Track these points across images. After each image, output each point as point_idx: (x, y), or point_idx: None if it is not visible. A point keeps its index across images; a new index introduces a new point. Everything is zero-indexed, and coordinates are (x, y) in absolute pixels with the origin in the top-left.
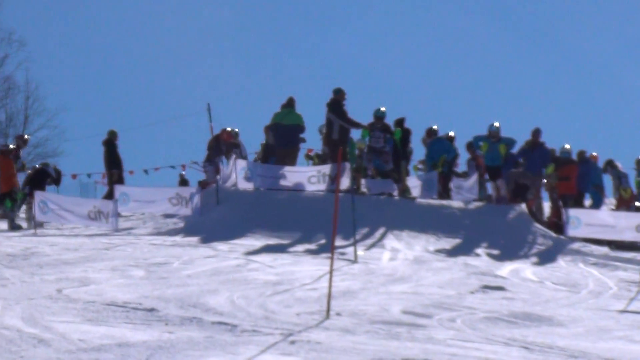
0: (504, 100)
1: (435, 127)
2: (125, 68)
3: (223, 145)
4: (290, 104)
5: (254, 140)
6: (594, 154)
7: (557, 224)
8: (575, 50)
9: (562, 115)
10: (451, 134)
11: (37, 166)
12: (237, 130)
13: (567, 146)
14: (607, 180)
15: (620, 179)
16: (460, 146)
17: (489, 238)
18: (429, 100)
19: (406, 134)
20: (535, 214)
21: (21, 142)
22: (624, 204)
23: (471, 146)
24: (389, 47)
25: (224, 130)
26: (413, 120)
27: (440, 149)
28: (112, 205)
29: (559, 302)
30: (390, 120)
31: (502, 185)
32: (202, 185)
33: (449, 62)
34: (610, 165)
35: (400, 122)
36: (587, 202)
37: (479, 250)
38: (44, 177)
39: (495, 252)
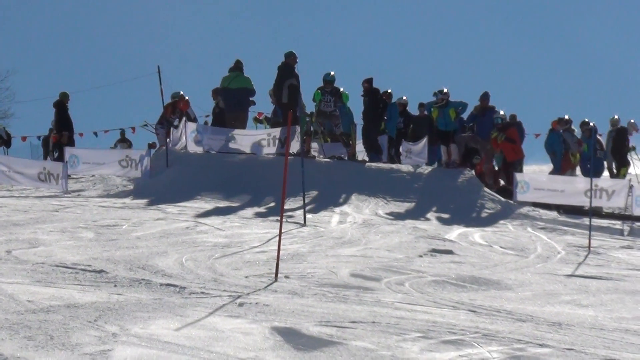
0: (457, 65)
1: (389, 90)
2: (76, 30)
3: (178, 113)
4: (237, 67)
5: (204, 103)
6: (556, 119)
7: (506, 189)
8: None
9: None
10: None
11: None
12: (187, 97)
13: (502, 112)
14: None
15: (570, 143)
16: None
17: (438, 202)
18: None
19: (375, 93)
20: (485, 178)
21: None
22: (571, 167)
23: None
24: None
25: (182, 99)
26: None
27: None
28: (62, 167)
29: (507, 266)
30: (359, 81)
31: (455, 150)
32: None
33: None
34: (568, 128)
35: (369, 82)
36: (544, 167)
37: (428, 214)
38: None
39: (445, 216)
